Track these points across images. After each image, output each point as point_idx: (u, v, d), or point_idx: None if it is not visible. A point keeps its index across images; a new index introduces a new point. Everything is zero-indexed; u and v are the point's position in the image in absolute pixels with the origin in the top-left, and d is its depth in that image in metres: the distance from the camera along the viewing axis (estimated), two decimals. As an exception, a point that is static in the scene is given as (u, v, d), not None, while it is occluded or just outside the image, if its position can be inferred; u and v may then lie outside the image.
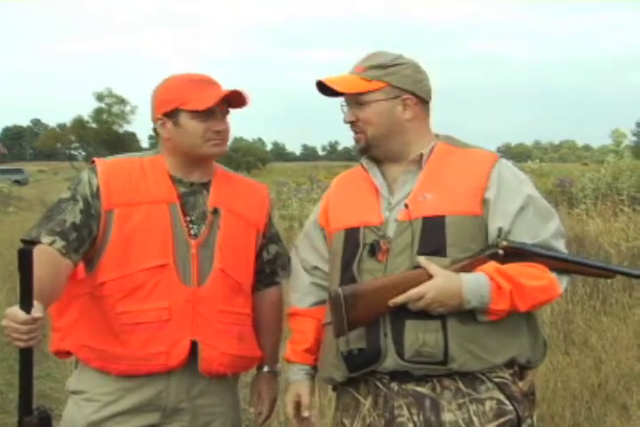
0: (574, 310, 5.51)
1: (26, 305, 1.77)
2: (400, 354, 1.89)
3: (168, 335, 2.07)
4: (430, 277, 1.86)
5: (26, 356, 1.82)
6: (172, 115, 2.13)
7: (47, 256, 1.99)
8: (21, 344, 1.79)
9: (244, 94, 2.14)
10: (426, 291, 1.85)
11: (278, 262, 2.33)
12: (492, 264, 1.89)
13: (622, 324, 5.16)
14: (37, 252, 1.98)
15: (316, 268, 2.16)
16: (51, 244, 2.03)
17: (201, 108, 2.10)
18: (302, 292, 2.18)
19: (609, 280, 4.83)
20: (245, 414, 2.58)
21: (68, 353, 2.18)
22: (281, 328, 2.35)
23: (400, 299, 1.86)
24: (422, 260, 1.89)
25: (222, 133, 2.15)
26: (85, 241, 2.08)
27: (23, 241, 2.04)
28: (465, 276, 1.87)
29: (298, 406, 2.13)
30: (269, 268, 2.32)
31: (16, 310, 1.77)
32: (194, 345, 2.08)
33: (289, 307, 2.23)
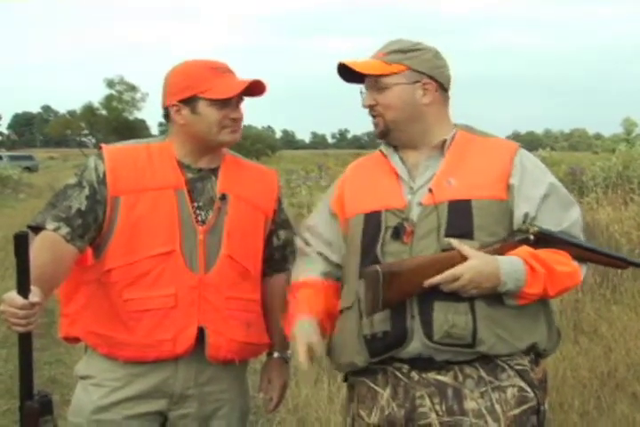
0: (584, 299, 5.50)
1: (23, 290, 1.76)
2: (429, 336, 1.86)
3: (174, 322, 2.06)
4: (464, 258, 1.84)
5: (25, 341, 1.82)
6: (189, 101, 2.10)
7: (50, 242, 2.00)
8: (20, 329, 1.80)
9: (264, 84, 2.13)
10: (463, 272, 1.82)
11: (288, 249, 2.31)
12: (526, 248, 1.89)
13: (632, 313, 5.15)
14: (41, 238, 1.99)
15: (319, 253, 2.13)
16: (55, 230, 2.02)
17: (223, 97, 2.08)
18: (305, 267, 2.12)
19: (619, 269, 4.83)
20: (254, 401, 2.57)
21: (77, 339, 2.18)
22: None
23: (436, 279, 1.83)
24: (455, 242, 1.87)
25: (238, 121, 2.14)
26: (91, 227, 2.07)
27: (29, 227, 2.03)
28: (501, 258, 1.86)
29: (309, 349, 1.97)
30: (279, 254, 2.30)
31: (13, 295, 1.77)
32: (201, 332, 2.07)
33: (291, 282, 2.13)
